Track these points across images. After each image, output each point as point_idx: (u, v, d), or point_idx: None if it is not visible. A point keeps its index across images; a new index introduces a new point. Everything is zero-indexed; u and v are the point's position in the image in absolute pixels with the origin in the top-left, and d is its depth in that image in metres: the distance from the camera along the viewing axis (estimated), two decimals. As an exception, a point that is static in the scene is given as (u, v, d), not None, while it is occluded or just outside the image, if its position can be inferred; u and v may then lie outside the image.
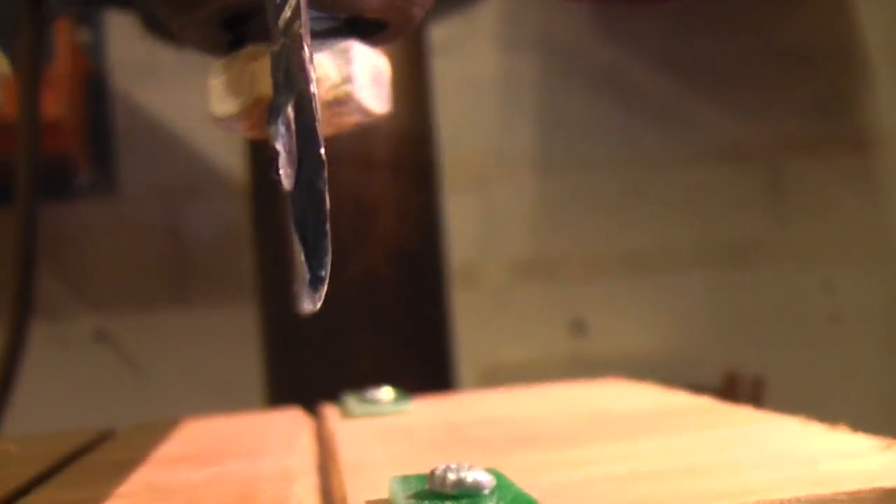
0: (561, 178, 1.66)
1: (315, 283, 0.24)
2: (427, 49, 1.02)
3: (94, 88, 1.52)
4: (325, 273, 0.24)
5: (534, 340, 1.65)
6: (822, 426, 0.39)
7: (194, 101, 1.53)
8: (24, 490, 0.41)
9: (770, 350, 1.68)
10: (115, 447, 0.53)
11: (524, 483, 0.31)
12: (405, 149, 0.93)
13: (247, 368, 1.27)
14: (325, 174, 0.23)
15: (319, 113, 0.24)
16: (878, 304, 1.72)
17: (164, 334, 1.55)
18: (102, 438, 0.57)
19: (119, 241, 1.55)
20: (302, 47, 0.23)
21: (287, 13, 0.23)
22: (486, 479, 0.29)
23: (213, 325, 1.55)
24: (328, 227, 0.24)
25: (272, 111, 0.23)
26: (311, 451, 0.46)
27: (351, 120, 0.41)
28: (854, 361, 1.71)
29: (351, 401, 0.56)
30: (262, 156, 0.94)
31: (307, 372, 0.92)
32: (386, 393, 0.56)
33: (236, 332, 1.48)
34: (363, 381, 0.61)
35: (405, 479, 0.32)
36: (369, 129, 0.41)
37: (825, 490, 0.29)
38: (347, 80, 0.39)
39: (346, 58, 0.39)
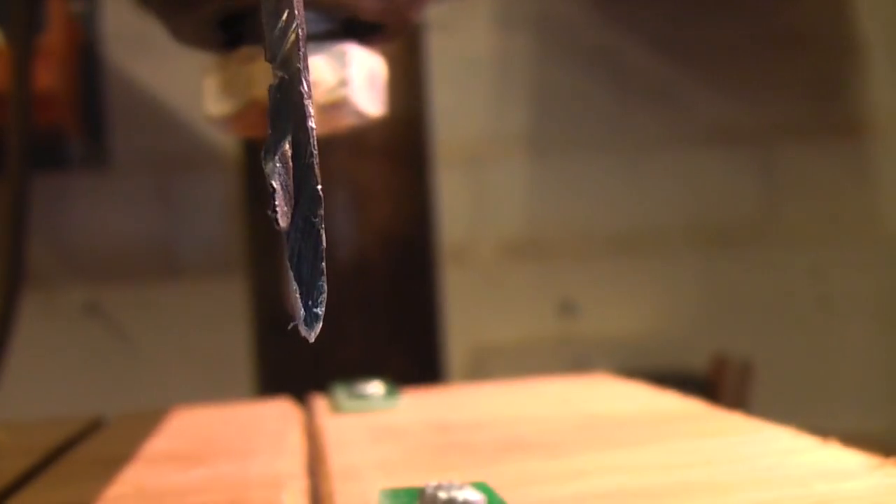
0: (554, 158, 1.65)
1: (311, 320, 0.24)
2: (421, 30, 1.01)
3: (88, 60, 1.51)
4: (321, 311, 0.24)
5: (524, 321, 1.65)
6: (814, 440, 0.39)
7: (188, 73, 1.52)
8: (12, 488, 0.40)
9: (760, 333, 1.69)
10: (104, 441, 0.53)
11: (513, 498, 0.31)
12: (398, 132, 0.93)
13: (237, 343, 1.27)
14: (322, 211, 0.23)
15: (317, 148, 0.23)
16: (869, 288, 1.73)
17: (155, 307, 1.55)
18: (92, 428, 0.57)
19: (111, 213, 1.55)
20: (300, 82, 0.23)
21: (286, 47, 0.23)
22: (477, 499, 0.29)
23: (204, 299, 1.54)
24: (324, 265, 0.24)
25: (268, 147, 0.22)
26: (300, 452, 0.45)
27: (346, 122, 0.41)
28: (844, 345, 1.72)
29: (340, 394, 0.56)
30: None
31: (297, 351, 0.92)
32: (375, 387, 0.56)
33: (228, 307, 1.48)
34: (353, 362, 0.61)
35: (395, 494, 0.32)
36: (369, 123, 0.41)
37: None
38: (343, 83, 0.39)
39: (342, 61, 0.39)
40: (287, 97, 0.23)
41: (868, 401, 1.70)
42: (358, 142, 0.88)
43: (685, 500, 0.32)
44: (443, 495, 0.29)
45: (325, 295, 0.24)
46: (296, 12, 0.23)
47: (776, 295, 1.71)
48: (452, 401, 0.58)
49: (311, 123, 0.23)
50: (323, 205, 0.23)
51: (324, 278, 0.23)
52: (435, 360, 0.99)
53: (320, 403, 0.57)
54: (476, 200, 1.63)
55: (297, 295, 0.23)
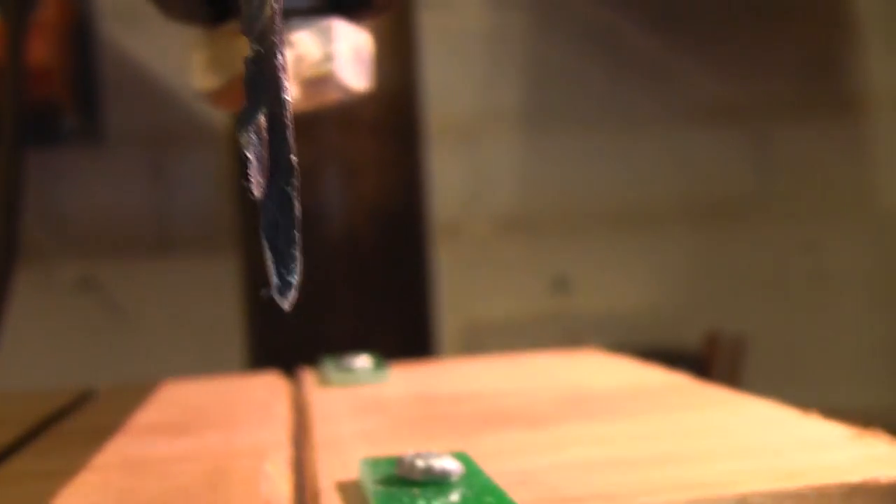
0: (547, 134, 1.65)
1: (284, 289, 0.24)
2: (413, 4, 1.01)
3: (81, 35, 1.51)
4: (295, 280, 0.24)
5: (517, 297, 1.66)
6: (795, 412, 0.40)
7: (181, 49, 1.52)
8: (0, 457, 0.41)
9: (754, 309, 1.69)
10: (93, 412, 0.53)
11: (493, 468, 0.31)
12: (389, 106, 0.93)
13: (230, 317, 1.27)
14: (297, 182, 0.24)
15: (291, 98, 0.24)
16: (863, 264, 1.73)
17: (148, 282, 1.55)
18: (81, 400, 0.57)
19: (104, 188, 1.55)
20: (276, 56, 0.23)
21: (262, 21, 0.23)
22: (454, 467, 0.30)
23: (197, 273, 1.55)
24: (298, 234, 0.24)
25: (243, 118, 0.23)
26: (286, 423, 0.46)
27: (332, 97, 0.41)
28: (838, 321, 1.72)
29: (329, 368, 0.56)
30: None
31: (288, 326, 0.93)
32: (364, 361, 0.56)
33: (220, 281, 1.48)
34: (344, 336, 0.62)
35: (375, 463, 0.32)
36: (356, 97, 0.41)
37: (791, 484, 0.29)
38: (329, 58, 0.39)
39: (328, 36, 0.39)
40: (263, 70, 0.23)
41: (861, 376, 1.71)
42: (349, 116, 0.88)
43: (662, 469, 0.32)
44: (420, 463, 0.30)
45: (298, 263, 0.24)
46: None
47: (770, 271, 1.72)
48: (439, 374, 0.58)
49: (287, 96, 0.23)
50: (297, 175, 0.23)
51: (297, 248, 0.24)
52: (427, 335, 0.99)
53: (308, 377, 0.58)
54: (469, 177, 1.64)
55: (271, 263, 0.23)
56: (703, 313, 1.67)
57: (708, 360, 1.57)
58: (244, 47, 0.39)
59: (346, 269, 0.90)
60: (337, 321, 0.91)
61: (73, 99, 1.48)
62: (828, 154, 1.73)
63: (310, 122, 0.89)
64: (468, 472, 0.30)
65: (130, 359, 1.50)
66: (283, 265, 0.23)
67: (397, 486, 0.29)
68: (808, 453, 0.33)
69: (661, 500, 0.28)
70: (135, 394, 0.55)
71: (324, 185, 0.87)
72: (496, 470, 0.31)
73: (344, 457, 0.36)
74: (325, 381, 0.55)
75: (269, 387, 0.56)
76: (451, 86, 1.59)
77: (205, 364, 1.41)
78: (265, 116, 0.23)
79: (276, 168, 0.23)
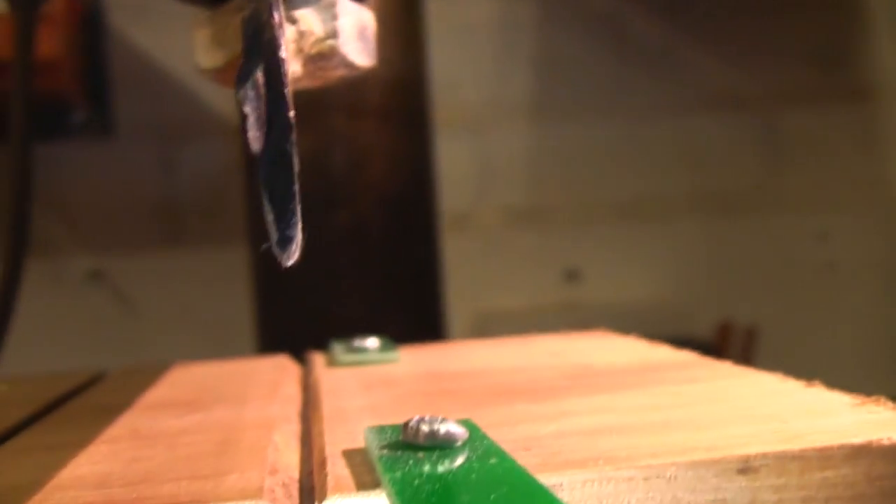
0: (556, 125, 1.66)
1: (284, 243, 0.24)
2: (422, -4, 1.01)
3: (90, 28, 1.51)
4: (295, 233, 0.24)
5: (527, 288, 1.66)
6: (799, 383, 0.40)
7: (188, 41, 1.52)
8: (13, 432, 0.41)
9: (765, 298, 1.69)
10: (104, 390, 0.53)
11: (498, 435, 0.32)
12: (397, 95, 0.93)
13: (238, 308, 1.28)
14: (294, 137, 0.24)
15: (292, 70, 0.24)
16: (873, 252, 1.73)
17: (158, 273, 1.56)
18: (93, 381, 0.57)
19: (114, 180, 1.55)
20: (272, 13, 0.24)
21: (260, -20, 0.23)
22: (459, 432, 0.30)
23: (205, 264, 1.55)
24: (296, 188, 0.24)
25: (241, 75, 0.23)
26: (295, 399, 0.46)
27: (336, 73, 0.41)
28: (848, 309, 1.72)
29: (338, 349, 0.56)
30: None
31: (297, 314, 0.93)
32: (373, 342, 0.57)
33: (229, 272, 1.49)
34: (352, 324, 0.62)
35: (380, 430, 0.32)
36: (360, 76, 0.41)
37: (793, 446, 0.29)
38: (332, 34, 0.39)
39: (331, 13, 0.39)
40: (260, 29, 0.23)
41: (872, 365, 1.71)
42: (357, 103, 0.88)
43: (666, 435, 0.32)
44: (425, 428, 0.30)
45: (297, 218, 0.24)
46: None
47: (781, 261, 1.72)
48: (448, 354, 0.59)
49: (283, 53, 0.24)
50: (294, 132, 0.24)
51: (296, 202, 0.24)
52: (436, 323, 1.00)
53: (318, 359, 0.58)
54: (478, 167, 1.64)
55: (271, 218, 0.24)
56: (715, 303, 1.67)
57: (720, 349, 1.57)
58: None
59: (355, 256, 0.91)
60: (345, 307, 0.91)
61: (83, 92, 1.48)
62: (839, 144, 1.73)
63: (318, 108, 0.90)
64: (473, 437, 0.31)
65: (141, 350, 1.51)
66: (283, 220, 0.24)
67: (402, 451, 0.30)
68: (811, 419, 0.33)
69: (664, 463, 0.29)
70: (145, 375, 0.55)
71: (332, 171, 0.88)
72: (501, 437, 0.31)
73: (350, 427, 0.36)
74: (333, 362, 0.55)
75: (279, 367, 0.56)
76: (460, 77, 1.59)
77: (214, 354, 1.41)
78: (263, 74, 0.23)
79: (274, 125, 0.23)
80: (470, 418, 0.34)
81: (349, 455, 0.32)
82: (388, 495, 0.26)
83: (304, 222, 0.25)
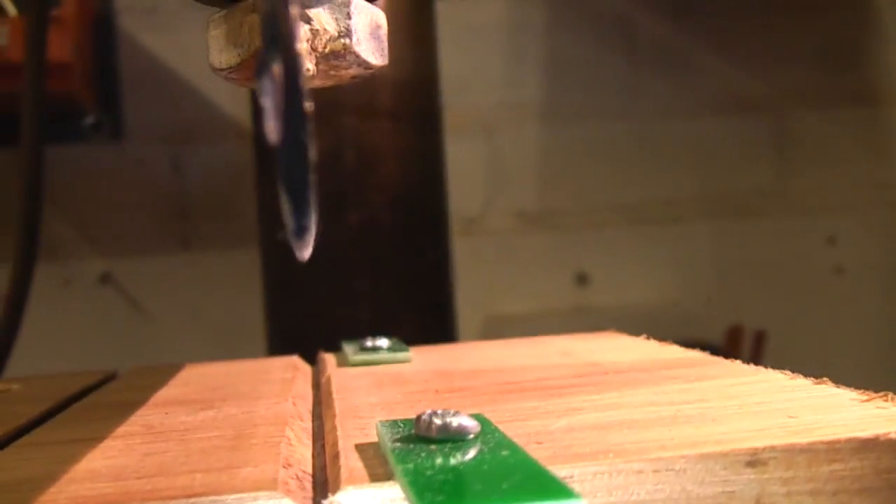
0: (566, 128, 1.66)
1: (301, 233, 0.25)
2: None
3: (101, 31, 1.52)
4: (310, 223, 0.25)
5: (536, 291, 1.66)
6: (807, 380, 0.40)
7: (199, 43, 1.53)
8: (26, 429, 0.42)
9: (774, 302, 1.69)
10: (116, 389, 0.54)
11: (508, 430, 0.32)
12: (408, 96, 0.93)
13: (249, 312, 1.28)
14: (310, 128, 0.24)
15: (306, 69, 0.24)
16: (882, 257, 1.73)
17: (168, 277, 1.56)
18: (105, 380, 0.58)
19: (124, 183, 1.56)
20: (288, 6, 0.24)
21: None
22: (471, 425, 0.30)
23: (216, 268, 1.56)
24: (313, 179, 0.25)
25: (260, 67, 0.23)
26: (306, 397, 0.47)
27: (349, 73, 0.42)
28: (857, 314, 1.72)
29: (349, 349, 0.57)
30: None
31: (307, 317, 0.93)
32: (384, 342, 0.57)
33: (239, 276, 1.49)
34: (362, 327, 0.62)
35: (392, 424, 0.33)
36: (371, 77, 0.42)
37: (801, 440, 0.30)
38: (346, 33, 0.39)
39: (344, 11, 0.39)
40: (277, 20, 0.24)
41: (880, 369, 1.70)
42: (367, 103, 0.89)
43: (675, 429, 0.32)
44: (437, 421, 0.30)
45: (313, 208, 0.25)
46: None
47: (790, 264, 1.72)
48: (459, 353, 0.59)
49: (300, 46, 0.24)
50: (310, 121, 0.24)
51: (312, 192, 0.24)
52: (447, 326, 1.00)
53: (329, 359, 0.58)
54: (489, 170, 1.64)
55: (288, 208, 0.24)
56: (724, 307, 1.67)
57: (729, 352, 1.57)
58: (259, 25, 0.39)
59: (365, 258, 0.91)
60: (355, 310, 0.91)
61: (94, 95, 1.49)
62: (847, 147, 1.73)
63: (330, 108, 0.90)
64: (484, 430, 0.31)
65: (151, 353, 1.51)
66: (299, 210, 0.24)
67: (415, 444, 0.30)
68: (820, 414, 0.33)
69: (673, 455, 0.29)
70: (157, 374, 0.56)
71: (343, 172, 0.88)
72: (512, 432, 0.32)
73: (363, 423, 0.37)
74: (345, 362, 0.55)
75: (290, 367, 0.57)
76: (470, 79, 1.59)
77: (225, 357, 1.41)
78: (280, 67, 0.23)
79: (291, 115, 0.24)
80: (481, 413, 0.34)
81: (362, 449, 0.32)
82: (402, 485, 0.27)
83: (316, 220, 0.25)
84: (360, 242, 0.90)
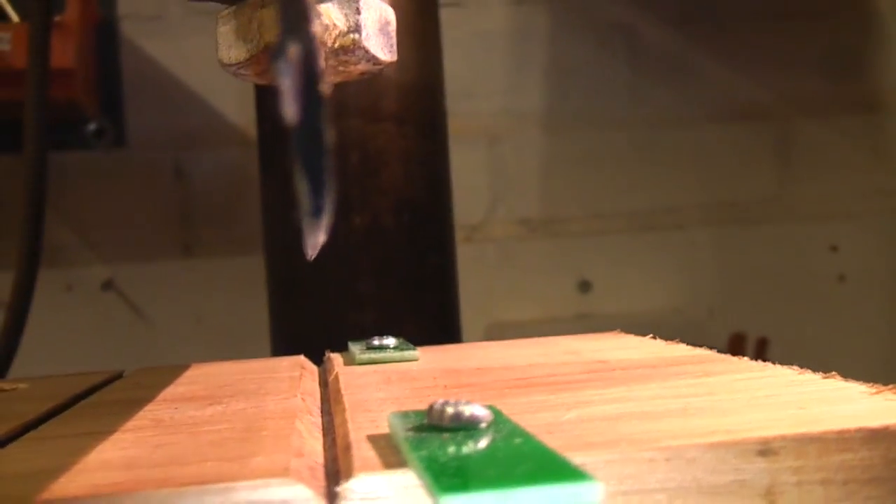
0: (569, 135, 1.66)
1: (318, 213, 0.25)
2: (436, 0, 1.01)
3: (104, 38, 1.52)
4: (327, 205, 0.25)
5: (539, 299, 1.66)
6: (815, 375, 0.40)
7: (202, 50, 1.54)
8: (34, 424, 0.42)
9: (776, 309, 1.69)
10: (124, 387, 0.54)
11: (520, 421, 0.32)
12: (412, 100, 0.93)
13: (253, 318, 1.28)
14: (327, 111, 0.24)
15: (323, 54, 0.25)
16: (884, 264, 1.73)
17: (171, 283, 1.56)
18: (112, 380, 0.58)
19: (127, 189, 1.56)
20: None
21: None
22: (484, 414, 0.30)
23: (219, 273, 1.56)
24: (329, 160, 0.25)
25: (278, 51, 0.24)
26: (315, 394, 0.47)
27: (358, 68, 0.42)
28: (859, 321, 1.72)
29: (356, 348, 0.57)
30: (269, 103, 0.94)
31: (312, 322, 0.93)
32: (391, 341, 0.57)
33: (242, 281, 1.49)
34: (367, 332, 0.62)
35: (404, 415, 0.33)
36: (376, 80, 0.42)
37: (812, 430, 0.30)
38: (355, 28, 0.40)
39: (354, 7, 0.40)
40: (294, 6, 0.24)
41: (883, 376, 1.70)
42: (372, 106, 0.89)
43: (686, 420, 0.32)
44: (450, 410, 0.30)
45: (330, 189, 0.25)
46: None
47: (792, 271, 1.72)
48: (466, 352, 0.59)
49: (317, 30, 0.24)
50: (326, 105, 0.24)
51: (329, 174, 0.25)
52: (450, 330, 1.00)
53: (336, 358, 0.58)
54: (492, 177, 1.64)
55: (305, 189, 0.24)
56: (726, 313, 1.67)
57: (730, 358, 1.56)
58: (268, 18, 0.39)
59: (369, 262, 0.91)
60: (360, 314, 0.91)
61: (97, 102, 1.49)
62: (850, 155, 1.73)
63: (334, 111, 0.90)
64: (496, 420, 0.31)
65: (154, 360, 1.51)
66: (316, 191, 0.24)
67: (427, 433, 0.30)
68: (829, 405, 0.33)
69: (685, 444, 0.29)
70: (164, 373, 0.56)
71: (347, 174, 0.88)
72: (523, 423, 0.32)
73: (373, 416, 0.37)
74: (352, 361, 0.55)
75: (297, 366, 0.57)
76: (474, 86, 1.60)
77: (229, 362, 1.42)
78: (297, 51, 0.24)
79: (308, 98, 0.24)
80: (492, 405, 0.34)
81: (374, 439, 0.32)
82: (418, 472, 0.27)
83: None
84: (365, 245, 0.90)
